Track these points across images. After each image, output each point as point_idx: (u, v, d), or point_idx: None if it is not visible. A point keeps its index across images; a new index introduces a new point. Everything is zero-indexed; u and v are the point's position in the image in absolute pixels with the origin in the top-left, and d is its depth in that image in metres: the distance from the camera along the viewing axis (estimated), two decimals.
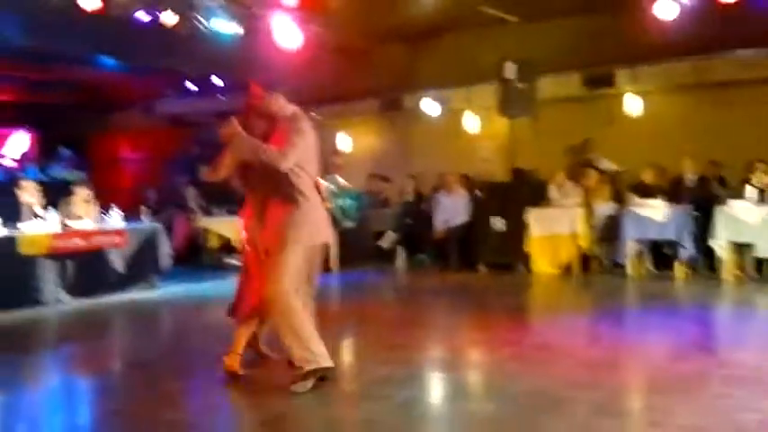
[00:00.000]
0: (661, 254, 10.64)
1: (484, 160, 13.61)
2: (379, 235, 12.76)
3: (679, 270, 10.12)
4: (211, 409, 4.91)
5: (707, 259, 10.28)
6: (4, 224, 8.77)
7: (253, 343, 5.69)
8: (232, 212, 11.80)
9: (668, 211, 10.13)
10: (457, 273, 11.48)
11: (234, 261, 12.22)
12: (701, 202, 10.36)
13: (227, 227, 11.99)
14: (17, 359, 6.42)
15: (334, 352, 5.01)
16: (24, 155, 16.34)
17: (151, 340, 7.52)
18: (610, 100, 12.54)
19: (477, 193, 12.23)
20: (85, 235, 9.38)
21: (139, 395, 5.23)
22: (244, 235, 5.36)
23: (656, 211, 10.19)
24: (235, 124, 4.95)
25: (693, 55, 11.40)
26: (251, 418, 4.74)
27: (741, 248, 9.89)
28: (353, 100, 14.32)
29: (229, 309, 5.59)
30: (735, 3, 9.83)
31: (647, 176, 10.97)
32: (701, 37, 10.92)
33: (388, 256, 12.61)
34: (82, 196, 9.86)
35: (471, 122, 13.86)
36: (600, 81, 12.40)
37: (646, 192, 10.61)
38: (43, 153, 16.26)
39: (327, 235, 5.20)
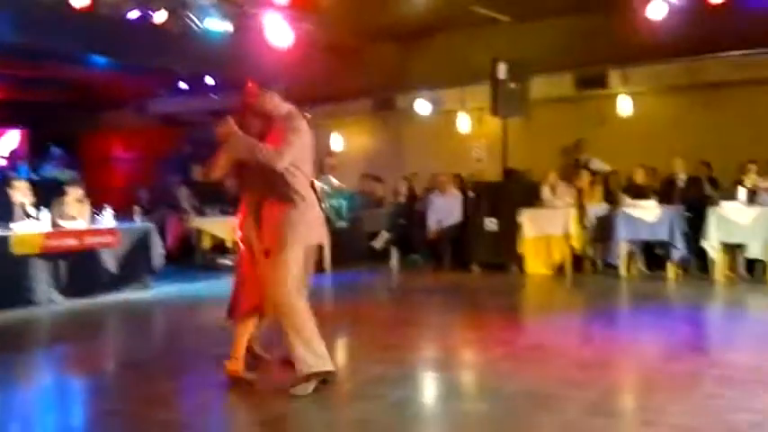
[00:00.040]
0: (653, 254, 10.68)
1: (477, 160, 13.65)
2: (373, 235, 12.76)
3: (671, 270, 10.15)
4: (205, 410, 4.91)
5: (699, 260, 10.32)
6: None
7: (247, 344, 5.61)
8: (225, 212, 11.82)
9: (660, 211, 10.16)
10: (450, 273, 11.50)
11: (227, 261, 12.21)
12: (693, 203, 10.41)
13: (220, 227, 11.99)
14: (10, 359, 6.40)
15: (328, 352, 5.00)
16: (15, 153, 16.29)
17: (144, 340, 7.51)
18: (602, 100, 12.58)
19: (471, 193, 12.23)
20: (78, 235, 9.34)
21: (133, 395, 5.22)
22: (238, 234, 5.31)
23: (647, 211, 10.22)
24: (231, 123, 4.91)
25: (685, 56, 11.45)
26: (244, 419, 4.74)
27: (733, 249, 9.94)
28: (346, 100, 14.32)
29: (228, 311, 5.50)
30: (726, 3, 9.87)
31: (639, 177, 11.00)
32: (693, 38, 10.97)
33: (381, 256, 12.61)
34: (75, 196, 9.82)
35: (464, 123, 13.88)
36: (592, 81, 12.45)
37: (637, 192, 10.64)
38: (34, 152, 16.20)
39: (322, 235, 5.18)
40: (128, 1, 9.96)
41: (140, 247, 10.05)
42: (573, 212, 10.80)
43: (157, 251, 10.25)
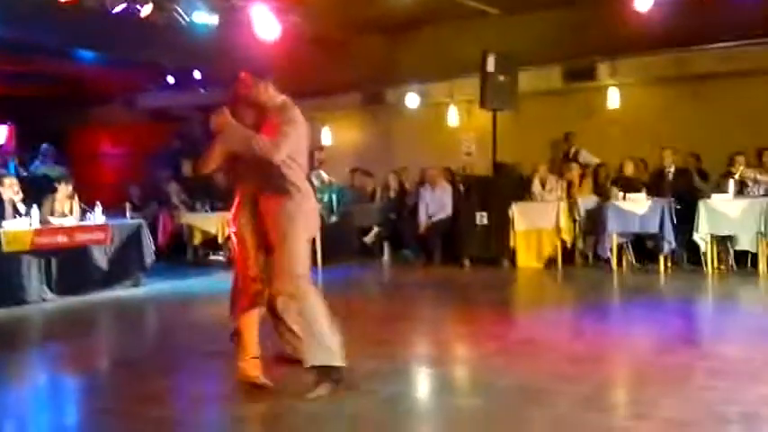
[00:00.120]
0: (643, 247, 10.71)
1: (466, 154, 13.65)
2: (363, 230, 12.75)
3: (661, 263, 10.18)
4: (198, 406, 4.90)
5: (689, 252, 10.36)
6: None
7: (238, 335, 5.27)
8: (215, 208, 11.80)
9: (650, 203, 10.19)
10: (441, 267, 11.52)
11: (218, 257, 12.22)
12: (683, 195, 10.44)
13: (211, 222, 11.97)
14: (2, 358, 6.39)
15: (341, 348, 4.92)
16: (3, 150, 16.18)
17: (136, 337, 7.50)
18: (591, 93, 12.59)
19: (461, 187, 12.24)
20: (68, 232, 9.32)
21: (125, 393, 5.21)
22: (232, 229, 5.18)
23: (637, 204, 10.25)
24: (226, 113, 4.81)
25: (673, 47, 11.45)
26: (237, 415, 4.73)
27: (722, 241, 9.98)
28: (334, 93, 14.27)
29: (230, 309, 5.26)
30: None
31: (628, 169, 11.04)
32: (681, 29, 10.99)
33: (372, 251, 12.61)
34: (65, 193, 9.80)
35: (453, 116, 13.88)
36: (581, 74, 12.45)
37: (627, 185, 10.67)
38: (22, 148, 16.10)
39: (316, 227, 5.15)
40: None
41: (131, 244, 10.03)
42: (563, 206, 10.83)
43: (148, 248, 10.23)
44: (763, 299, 8.74)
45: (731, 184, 9.90)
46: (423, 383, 5.46)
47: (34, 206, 9.16)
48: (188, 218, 12.65)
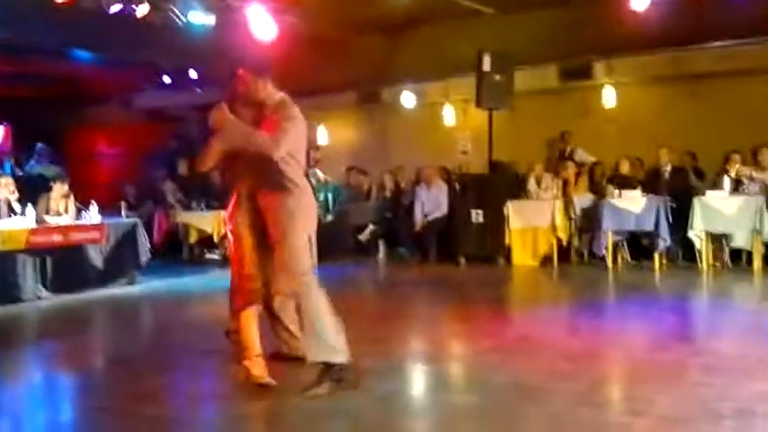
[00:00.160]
0: (639, 245, 10.73)
1: (462, 153, 13.66)
2: (359, 228, 12.75)
3: (657, 261, 10.20)
4: (193, 405, 4.90)
5: (684, 250, 10.37)
6: None
7: (234, 332, 5.32)
8: (211, 207, 11.80)
9: (645, 202, 10.20)
10: (437, 265, 11.52)
11: (214, 256, 12.21)
12: (678, 193, 10.45)
13: (206, 221, 11.97)
14: None
15: (346, 345, 4.91)
16: None
17: (132, 336, 7.49)
18: (587, 92, 12.60)
19: (457, 185, 12.24)
20: (64, 231, 9.32)
21: (121, 391, 5.20)
22: (229, 227, 5.16)
23: (633, 202, 10.26)
24: (225, 110, 4.78)
25: (670, 46, 11.47)
26: (233, 413, 4.73)
27: (718, 239, 9.99)
28: (330, 92, 14.27)
29: (230, 307, 5.27)
30: None
31: (624, 168, 11.06)
32: (678, 28, 11.01)
33: (367, 249, 12.61)
34: (60, 192, 9.79)
35: (449, 115, 13.88)
36: (577, 73, 12.47)
37: (623, 183, 10.68)
38: (18, 147, 16.07)
39: (314, 225, 5.14)
40: None
41: (127, 243, 10.03)
42: (559, 204, 10.84)
43: (144, 246, 10.23)
44: (757, 296, 8.75)
45: (727, 181, 9.92)
46: (418, 381, 5.46)
47: (29, 205, 9.16)
48: (183, 216, 12.64)
